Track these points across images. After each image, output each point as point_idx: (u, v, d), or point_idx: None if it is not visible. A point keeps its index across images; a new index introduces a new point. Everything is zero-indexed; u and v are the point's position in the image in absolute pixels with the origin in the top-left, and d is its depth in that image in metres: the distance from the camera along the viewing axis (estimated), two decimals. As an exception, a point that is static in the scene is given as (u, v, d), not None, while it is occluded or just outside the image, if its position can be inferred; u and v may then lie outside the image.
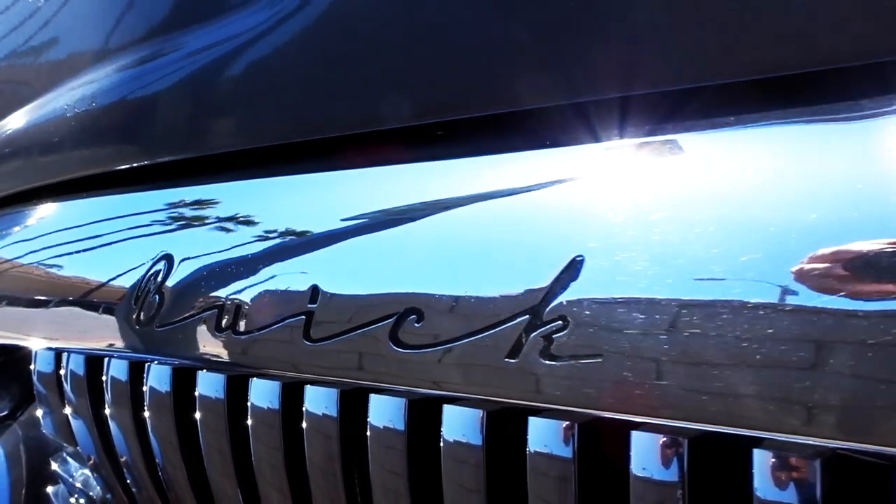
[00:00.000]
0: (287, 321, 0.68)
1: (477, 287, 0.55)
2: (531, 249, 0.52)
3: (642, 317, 0.47)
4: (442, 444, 0.61)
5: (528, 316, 0.51)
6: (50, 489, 1.31)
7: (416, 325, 0.57)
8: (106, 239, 1.06)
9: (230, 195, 0.86)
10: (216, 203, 0.82)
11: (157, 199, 0.89)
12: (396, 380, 0.60)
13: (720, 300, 0.45)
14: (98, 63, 1.01)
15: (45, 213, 1.32)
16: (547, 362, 0.51)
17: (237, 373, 0.84)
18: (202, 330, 0.81)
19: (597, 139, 0.51)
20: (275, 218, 0.76)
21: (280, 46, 0.66)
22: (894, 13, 0.42)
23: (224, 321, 0.78)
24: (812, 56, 0.44)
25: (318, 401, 0.68)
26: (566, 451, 0.55)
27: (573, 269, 0.49)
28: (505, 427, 0.59)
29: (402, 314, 0.58)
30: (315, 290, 0.64)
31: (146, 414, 0.99)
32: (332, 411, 0.68)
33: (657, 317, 0.47)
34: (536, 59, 0.51)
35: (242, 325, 0.80)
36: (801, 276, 0.44)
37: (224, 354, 0.86)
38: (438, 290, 0.56)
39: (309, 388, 0.69)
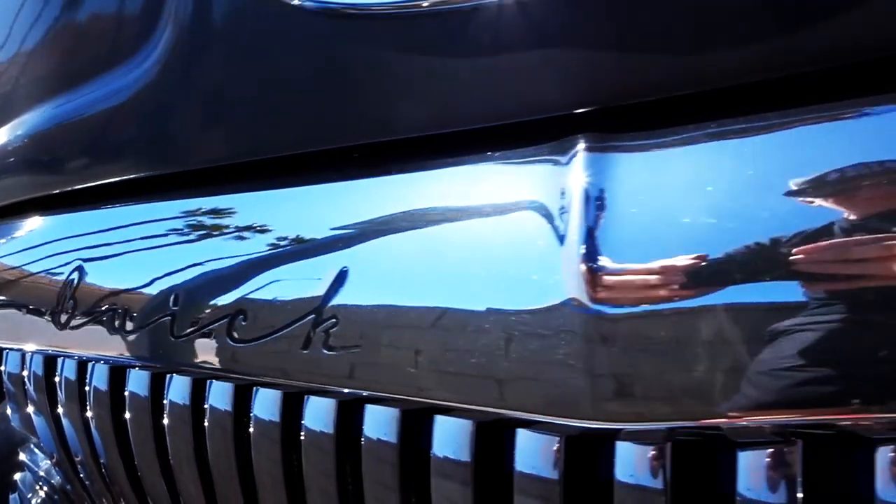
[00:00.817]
0: (158, 320, 0.81)
1: (285, 290, 0.68)
2: (321, 260, 0.66)
3: (391, 314, 0.60)
4: (303, 435, 0.73)
5: (313, 315, 0.65)
6: (17, 476, 1.44)
7: (244, 322, 0.70)
8: (63, 258, 1.19)
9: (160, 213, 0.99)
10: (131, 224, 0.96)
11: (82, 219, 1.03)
12: (234, 368, 0.73)
13: (449, 306, 0.58)
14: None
15: (25, 227, 1.45)
16: (326, 352, 0.64)
17: (159, 370, 0.96)
18: (128, 330, 0.93)
19: (358, 178, 0.65)
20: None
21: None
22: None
23: (137, 322, 0.90)
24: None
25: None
26: (392, 437, 0.67)
27: (341, 276, 0.63)
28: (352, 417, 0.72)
29: (234, 314, 0.71)
30: (177, 294, 0.78)
31: (88, 412, 1.11)
32: (219, 404, 0.81)
33: (402, 314, 0.60)
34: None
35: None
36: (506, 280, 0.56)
37: (149, 353, 0.98)
38: (256, 294, 0.70)
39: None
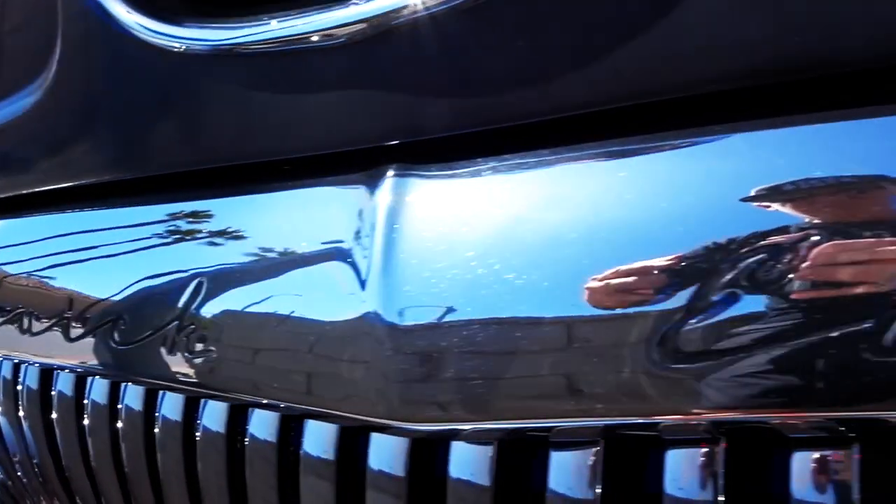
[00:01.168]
0: (59, 320, 0.87)
1: (154, 298, 0.75)
2: (185, 273, 0.73)
3: (238, 321, 0.66)
4: (199, 435, 0.78)
5: (177, 321, 0.71)
6: (-39, 470, 1.49)
7: (122, 326, 0.76)
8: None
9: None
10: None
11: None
12: (117, 366, 0.79)
13: (279, 315, 0.64)
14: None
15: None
16: (187, 355, 0.70)
17: (81, 372, 1.01)
18: (35, 332, 0.99)
19: (214, 198, 0.72)
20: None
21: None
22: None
23: (43, 325, 0.96)
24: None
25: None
26: (272, 437, 0.73)
27: (198, 288, 0.69)
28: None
29: (115, 319, 0.77)
30: (71, 299, 0.84)
31: (21, 413, 1.16)
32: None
33: (247, 322, 0.66)
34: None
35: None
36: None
37: (77, 359, 1.03)
38: (130, 302, 0.76)
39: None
